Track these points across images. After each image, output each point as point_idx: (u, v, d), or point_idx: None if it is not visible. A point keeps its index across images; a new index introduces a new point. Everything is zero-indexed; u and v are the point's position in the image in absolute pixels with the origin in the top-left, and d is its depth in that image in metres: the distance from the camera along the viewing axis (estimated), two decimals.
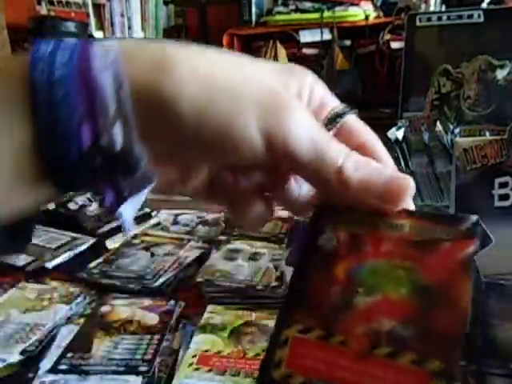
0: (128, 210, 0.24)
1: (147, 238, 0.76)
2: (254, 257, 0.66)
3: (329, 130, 0.25)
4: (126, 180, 0.22)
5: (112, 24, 2.95)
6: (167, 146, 0.23)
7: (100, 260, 0.68)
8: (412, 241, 0.22)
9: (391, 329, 0.20)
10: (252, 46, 2.77)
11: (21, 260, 0.70)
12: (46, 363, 0.48)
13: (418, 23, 0.96)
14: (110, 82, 0.21)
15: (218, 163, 0.25)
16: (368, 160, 0.24)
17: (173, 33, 3.19)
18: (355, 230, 0.23)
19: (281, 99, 0.23)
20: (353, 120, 0.26)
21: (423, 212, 0.23)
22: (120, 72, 0.21)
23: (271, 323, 0.53)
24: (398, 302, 0.21)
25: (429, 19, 0.96)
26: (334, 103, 0.26)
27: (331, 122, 0.26)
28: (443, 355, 0.19)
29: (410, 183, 0.23)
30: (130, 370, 0.47)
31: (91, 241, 0.76)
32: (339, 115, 0.26)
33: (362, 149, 0.25)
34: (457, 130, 0.73)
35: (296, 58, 2.57)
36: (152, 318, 0.55)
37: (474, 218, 0.22)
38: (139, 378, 0.46)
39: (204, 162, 0.25)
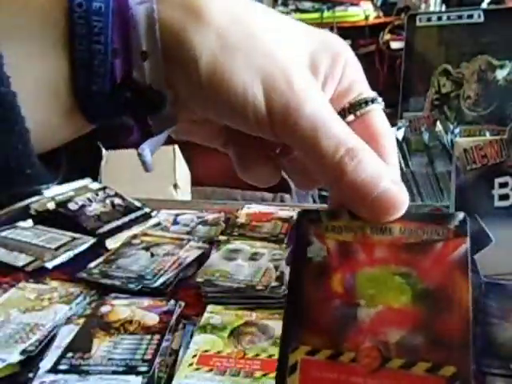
0: (148, 149, 0.24)
1: (147, 238, 0.76)
2: (253, 257, 0.66)
3: (348, 115, 0.24)
4: (152, 117, 0.23)
5: None
6: (184, 92, 0.23)
7: (100, 260, 0.68)
8: (403, 244, 0.22)
9: (400, 339, 0.20)
10: None
11: (21, 260, 0.70)
12: (46, 363, 0.48)
13: (417, 23, 0.96)
14: (144, 19, 0.21)
15: (225, 121, 0.24)
16: (370, 160, 0.22)
17: None
18: (343, 236, 0.23)
19: (291, 74, 0.22)
20: (376, 112, 0.25)
21: (410, 213, 0.22)
22: (153, 9, 0.21)
23: (271, 323, 0.53)
24: (401, 311, 0.21)
25: (429, 19, 0.96)
26: (363, 89, 0.25)
27: (353, 108, 0.25)
28: (456, 360, 0.19)
29: (403, 200, 0.22)
30: (130, 370, 0.47)
31: (91, 241, 0.76)
32: (362, 103, 0.25)
33: (373, 143, 0.23)
34: (457, 130, 0.73)
35: None
36: (152, 318, 0.55)
37: (461, 215, 0.22)
38: (139, 378, 0.46)
39: (213, 117, 0.24)
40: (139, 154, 0.24)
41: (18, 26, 0.21)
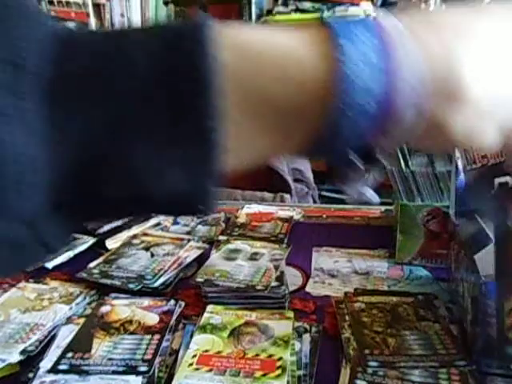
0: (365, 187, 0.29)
1: (147, 238, 0.76)
2: (253, 257, 0.66)
3: None
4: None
5: (112, 24, 2.94)
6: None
7: (100, 260, 0.68)
8: None
9: None
10: None
11: None
12: (46, 363, 0.48)
13: None
14: (410, 117, 0.23)
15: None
16: None
17: None
18: None
19: None
20: None
21: None
22: (422, 110, 0.23)
23: (271, 323, 0.53)
24: None
25: None
26: None
27: None
28: None
29: None
30: (130, 370, 0.47)
31: (91, 241, 0.76)
32: None
33: None
34: None
35: None
36: (152, 318, 0.55)
37: None
38: (139, 378, 0.46)
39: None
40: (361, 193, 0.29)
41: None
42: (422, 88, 0.23)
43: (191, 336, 0.51)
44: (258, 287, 0.57)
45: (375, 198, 0.34)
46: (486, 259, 0.44)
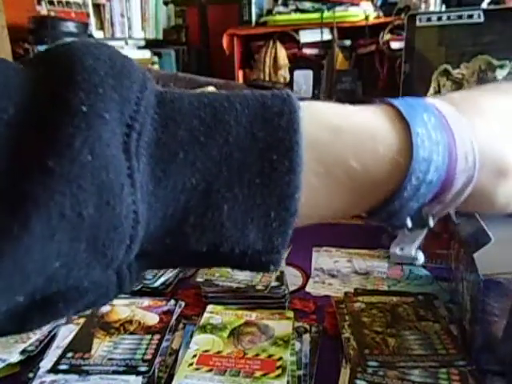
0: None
1: None
2: None
3: None
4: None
5: (112, 24, 2.95)
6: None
7: None
8: None
9: None
10: (252, 46, 2.77)
11: None
12: (46, 363, 0.48)
13: (417, 23, 0.96)
14: (461, 185, 0.27)
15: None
16: None
17: (173, 33, 3.19)
18: None
19: None
20: None
21: None
22: (472, 178, 0.27)
23: (271, 323, 0.53)
24: None
25: (429, 19, 0.96)
26: None
27: None
28: None
29: None
30: (130, 370, 0.47)
31: None
32: None
33: None
34: None
35: (296, 58, 2.57)
36: (152, 318, 0.55)
37: None
38: (139, 378, 0.46)
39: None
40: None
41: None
42: (474, 162, 0.26)
43: (191, 336, 0.51)
44: (258, 287, 0.57)
45: (421, 259, 0.37)
46: (485, 258, 0.44)
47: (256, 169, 0.23)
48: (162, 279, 0.63)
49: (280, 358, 0.47)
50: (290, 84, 2.53)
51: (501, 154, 0.27)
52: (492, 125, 0.28)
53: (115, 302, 0.58)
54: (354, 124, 0.26)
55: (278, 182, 0.24)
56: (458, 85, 0.88)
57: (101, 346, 0.50)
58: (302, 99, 0.26)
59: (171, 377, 0.46)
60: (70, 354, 0.49)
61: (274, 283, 0.58)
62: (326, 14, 2.40)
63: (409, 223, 0.28)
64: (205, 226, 0.23)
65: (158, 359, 0.48)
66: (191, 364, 0.46)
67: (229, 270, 0.62)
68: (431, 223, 0.29)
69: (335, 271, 0.67)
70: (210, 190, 0.23)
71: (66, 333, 0.53)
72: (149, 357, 0.48)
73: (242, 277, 0.60)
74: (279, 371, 0.45)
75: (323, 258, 0.71)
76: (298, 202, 0.24)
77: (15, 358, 0.49)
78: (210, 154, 0.23)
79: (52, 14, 2.61)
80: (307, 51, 2.55)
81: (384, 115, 0.27)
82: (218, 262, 0.26)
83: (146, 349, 0.50)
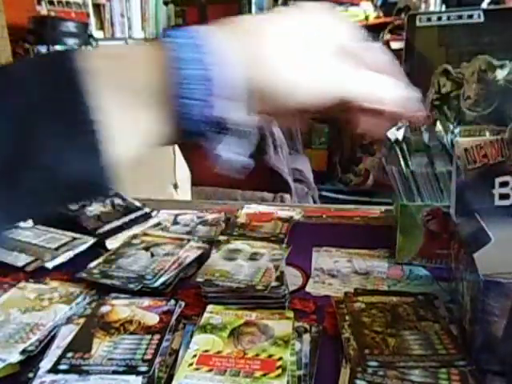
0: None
1: (147, 238, 0.76)
2: (253, 257, 0.66)
3: None
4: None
5: (112, 24, 2.95)
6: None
7: (100, 260, 0.68)
8: None
9: None
10: None
11: (21, 260, 0.70)
12: (46, 363, 0.48)
13: (417, 23, 0.96)
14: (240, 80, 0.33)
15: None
16: None
17: None
18: None
19: None
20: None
21: None
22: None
23: (271, 323, 0.53)
24: None
25: (429, 19, 0.96)
26: None
27: None
28: None
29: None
30: (130, 369, 0.47)
31: (91, 241, 0.76)
32: None
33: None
34: (457, 130, 0.73)
35: None
36: (152, 318, 0.55)
37: None
38: (139, 378, 0.46)
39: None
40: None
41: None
42: (235, 65, 0.33)
43: (191, 336, 0.51)
44: (258, 287, 0.57)
45: (241, 158, 0.39)
46: (485, 258, 0.44)
47: (57, 111, 0.29)
48: (162, 279, 0.63)
49: (280, 358, 0.47)
50: None
51: (259, 55, 0.35)
52: (265, 44, 0.35)
53: (115, 302, 0.58)
54: (132, 54, 0.34)
55: (79, 115, 0.29)
56: (458, 85, 0.88)
57: (101, 346, 0.50)
58: None
59: (171, 377, 0.46)
60: (69, 354, 0.49)
61: (274, 283, 0.58)
62: None
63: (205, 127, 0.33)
64: (31, 161, 0.29)
65: (157, 359, 0.48)
66: (191, 364, 0.46)
67: (229, 270, 0.62)
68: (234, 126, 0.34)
69: (335, 271, 0.67)
70: (26, 130, 0.29)
71: (66, 333, 0.53)
72: (149, 357, 0.48)
73: (242, 277, 0.60)
74: (279, 371, 0.45)
75: (323, 258, 0.71)
76: (102, 125, 0.30)
77: (15, 358, 0.49)
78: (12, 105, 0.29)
79: (52, 13, 2.61)
80: None
81: (155, 46, 0.33)
82: (56, 195, 0.31)
83: (146, 349, 0.50)
